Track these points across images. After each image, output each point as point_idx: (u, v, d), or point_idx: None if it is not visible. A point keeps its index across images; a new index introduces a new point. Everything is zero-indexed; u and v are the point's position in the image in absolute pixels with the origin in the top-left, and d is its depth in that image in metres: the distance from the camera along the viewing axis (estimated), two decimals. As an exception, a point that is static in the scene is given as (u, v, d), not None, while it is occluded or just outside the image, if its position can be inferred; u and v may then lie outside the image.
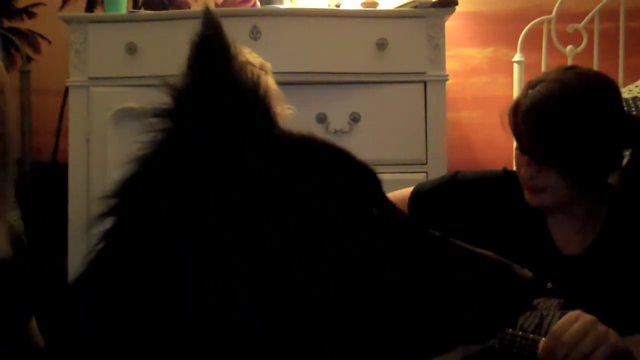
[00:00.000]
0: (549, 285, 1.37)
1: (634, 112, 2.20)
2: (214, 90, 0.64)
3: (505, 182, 1.49)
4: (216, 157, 0.64)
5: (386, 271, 0.64)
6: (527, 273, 0.67)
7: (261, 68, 1.63)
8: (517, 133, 1.39)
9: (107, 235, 0.66)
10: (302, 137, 0.70)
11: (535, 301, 1.37)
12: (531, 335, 1.29)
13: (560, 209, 1.41)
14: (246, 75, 0.66)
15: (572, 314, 1.21)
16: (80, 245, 2.32)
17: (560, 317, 1.24)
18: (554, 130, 1.32)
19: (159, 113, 0.64)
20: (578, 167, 1.33)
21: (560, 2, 2.79)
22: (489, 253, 0.69)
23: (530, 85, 1.39)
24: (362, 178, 0.68)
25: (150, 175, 0.64)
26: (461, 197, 1.50)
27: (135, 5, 2.95)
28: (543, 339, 1.24)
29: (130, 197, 0.65)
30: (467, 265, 0.67)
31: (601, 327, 1.18)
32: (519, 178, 1.43)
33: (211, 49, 0.64)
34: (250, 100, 0.67)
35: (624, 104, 2.24)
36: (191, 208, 0.62)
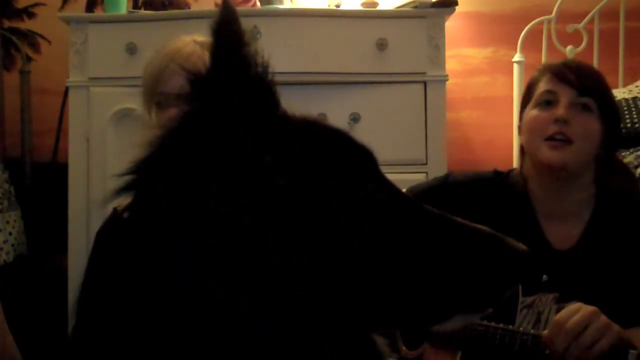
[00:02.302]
0: (545, 278, 1.38)
1: (634, 112, 2.20)
2: (223, 79, 0.64)
3: (496, 182, 1.53)
4: (219, 151, 0.64)
5: (386, 266, 0.64)
6: (521, 245, 0.68)
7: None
8: (562, 72, 1.46)
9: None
10: (304, 125, 0.70)
11: (531, 298, 1.38)
12: (532, 331, 1.30)
13: (570, 176, 1.44)
14: (256, 62, 0.67)
15: (573, 306, 1.22)
16: (80, 245, 2.32)
17: (557, 312, 1.25)
18: (599, 75, 1.52)
19: (180, 97, 0.64)
20: (612, 114, 1.48)
21: (560, 2, 2.79)
22: (483, 227, 0.70)
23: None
24: (359, 160, 0.69)
25: (156, 164, 0.64)
26: (453, 199, 1.52)
27: (135, 5, 2.95)
28: (545, 332, 1.24)
29: (134, 185, 0.65)
30: (463, 238, 0.68)
31: (603, 318, 1.19)
32: (537, 140, 1.45)
33: (225, 36, 0.65)
34: (257, 88, 0.67)
35: (624, 104, 2.25)
36: (192, 201, 0.62)
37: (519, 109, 1.56)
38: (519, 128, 1.55)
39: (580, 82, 1.43)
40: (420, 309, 0.66)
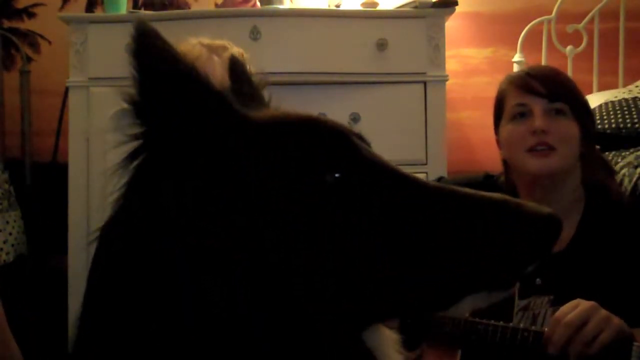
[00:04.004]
0: (538, 281, 1.38)
1: (634, 112, 2.20)
2: (156, 94, 0.63)
3: (487, 185, 1.54)
4: (192, 154, 0.64)
5: (387, 261, 0.63)
6: (545, 209, 0.61)
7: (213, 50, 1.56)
8: (527, 84, 1.46)
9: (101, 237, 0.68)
10: (275, 122, 0.69)
11: (526, 301, 1.38)
12: (533, 327, 1.29)
13: (559, 180, 1.45)
14: (196, 70, 0.65)
15: (572, 302, 1.22)
16: (80, 245, 2.32)
17: (553, 314, 1.24)
18: (564, 77, 1.54)
19: (127, 116, 0.65)
20: (585, 112, 1.48)
21: (560, 2, 2.79)
22: (495, 194, 0.63)
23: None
24: (331, 144, 0.66)
25: (130, 175, 0.66)
26: None
27: (135, 5, 2.95)
28: (546, 329, 1.24)
29: (117, 198, 0.67)
30: (471, 209, 0.63)
31: (603, 312, 1.19)
32: (519, 154, 1.45)
33: (145, 52, 0.63)
34: (210, 95, 0.66)
35: (624, 104, 2.25)
36: (170, 205, 0.62)
37: (493, 123, 1.57)
38: (497, 142, 1.56)
39: (548, 89, 1.44)
40: (425, 299, 0.63)
